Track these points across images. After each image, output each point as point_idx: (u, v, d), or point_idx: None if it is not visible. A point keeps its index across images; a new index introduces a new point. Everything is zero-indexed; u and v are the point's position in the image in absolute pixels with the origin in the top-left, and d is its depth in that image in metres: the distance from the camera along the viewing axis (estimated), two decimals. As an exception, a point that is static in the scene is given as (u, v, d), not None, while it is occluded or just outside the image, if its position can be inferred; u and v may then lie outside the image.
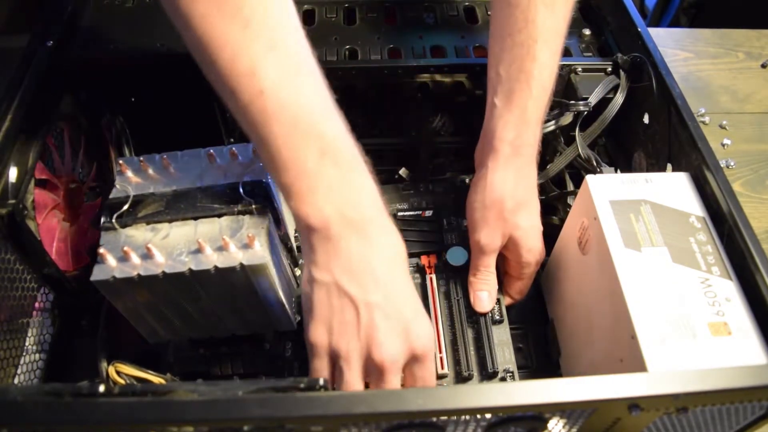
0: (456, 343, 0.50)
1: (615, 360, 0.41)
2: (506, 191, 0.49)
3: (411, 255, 0.54)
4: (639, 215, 0.43)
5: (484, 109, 0.52)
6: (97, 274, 0.40)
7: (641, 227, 0.42)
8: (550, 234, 0.53)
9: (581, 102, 0.55)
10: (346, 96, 0.64)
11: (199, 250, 0.39)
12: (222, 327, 0.45)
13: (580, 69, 0.58)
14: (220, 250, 0.40)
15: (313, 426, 0.33)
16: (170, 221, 0.42)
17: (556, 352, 0.53)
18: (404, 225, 0.56)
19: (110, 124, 0.58)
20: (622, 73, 0.56)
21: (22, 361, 0.48)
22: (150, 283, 0.40)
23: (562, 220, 0.52)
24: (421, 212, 0.58)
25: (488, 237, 0.50)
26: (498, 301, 0.52)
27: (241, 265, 0.39)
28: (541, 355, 0.53)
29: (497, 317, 0.51)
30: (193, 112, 0.56)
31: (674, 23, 1.34)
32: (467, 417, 0.33)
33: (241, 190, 0.42)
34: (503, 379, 0.48)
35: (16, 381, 0.46)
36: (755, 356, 0.37)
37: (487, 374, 0.48)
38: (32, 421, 0.31)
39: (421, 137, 0.63)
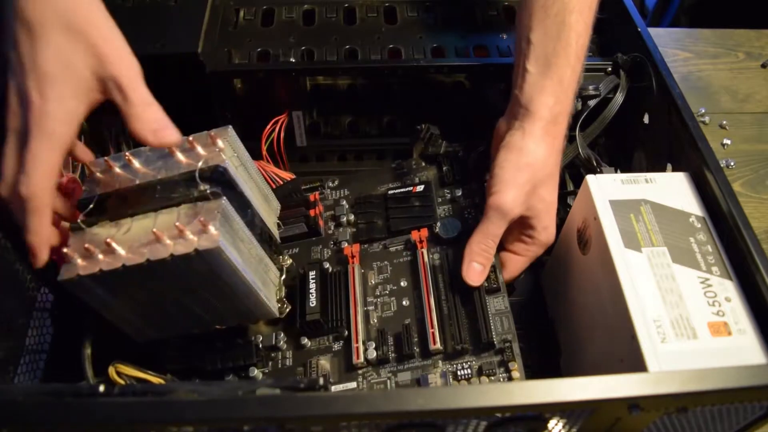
0: (450, 318, 0.47)
1: (615, 360, 0.41)
2: (540, 158, 0.47)
3: (401, 232, 0.52)
4: (639, 215, 0.43)
5: (484, 111, 0.52)
6: (63, 273, 0.40)
7: (641, 227, 0.42)
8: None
9: (591, 87, 0.55)
10: (346, 96, 0.64)
11: (157, 240, 0.39)
12: (201, 320, 0.45)
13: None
14: (176, 238, 0.39)
15: (313, 426, 0.33)
16: (132, 215, 0.42)
17: (557, 352, 0.53)
18: (393, 203, 0.54)
19: (110, 124, 0.58)
20: (622, 72, 0.56)
21: (22, 361, 0.48)
22: (114, 278, 0.39)
23: (562, 220, 0.52)
24: (412, 188, 0.55)
25: (514, 200, 0.47)
26: (494, 268, 0.48)
27: (196, 251, 0.39)
28: (541, 355, 0.53)
29: (493, 285, 0.48)
30: (193, 111, 0.56)
31: (674, 23, 1.34)
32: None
33: (197, 176, 0.42)
34: (501, 351, 0.45)
35: (16, 381, 0.46)
36: (755, 356, 0.37)
37: (483, 346, 0.45)
38: (32, 421, 0.31)
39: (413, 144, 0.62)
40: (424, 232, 0.52)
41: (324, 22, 0.64)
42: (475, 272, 0.48)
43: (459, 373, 0.44)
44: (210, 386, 0.35)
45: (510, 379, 0.43)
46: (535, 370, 0.53)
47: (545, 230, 0.49)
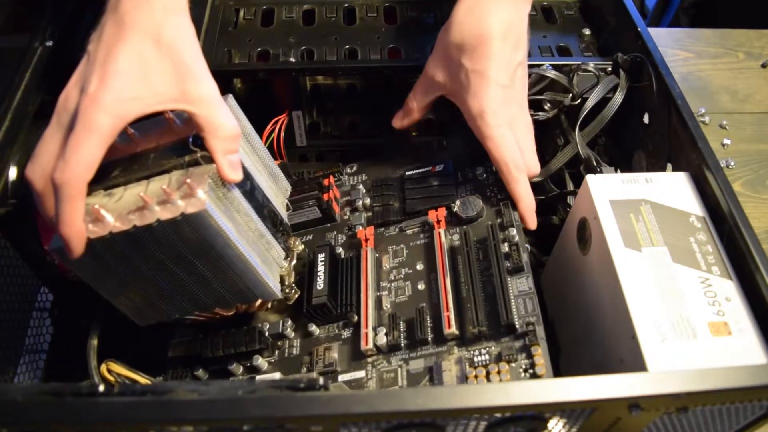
0: (468, 301, 0.44)
1: (615, 360, 0.41)
2: (460, 19, 0.48)
3: (418, 213, 0.51)
4: (639, 215, 0.43)
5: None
6: (54, 242, 0.39)
7: (641, 227, 0.42)
8: (550, 234, 0.53)
9: (569, 95, 0.55)
10: (346, 96, 0.64)
11: (145, 206, 0.38)
12: (200, 300, 0.44)
13: (580, 69, 0.58)
14: (164, 203, 0.38)
15: (313, 426, 0.33)
16: (124, 184, 0.41)
17: (557, 352, 0.53)
18: (411, 184, 0.53)
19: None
20: (622, 72, 0.56)
21: (22, 361, 0.48)
22: (103, 247, 0.39)
23: (562, 220, 0.52)
24: (431, 168, 0.53)
25: (432, 66, 0.50)
26: (517, 246, 0.45)
27: (182, 215, 0.38)
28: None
29: (516, 265, 0.44)
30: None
31: (674, 23, 1.34)
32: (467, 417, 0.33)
33: (190, 141, 0.41)
34: (523, 335, 0.41)
35: (16, 381, 0.46)
36: (755, 356, 0.37)
37: (503, 330, 0.42)
38: (32, 421, 0.31)
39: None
40: (442, 212, 0.49)
41: (324, 22, 0.64)
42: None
43: (476, 359, 0.41)
44: (210, 386, 0.35)
45: (533, 365, 0.40)
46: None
47: (474, 98, 0.48)
